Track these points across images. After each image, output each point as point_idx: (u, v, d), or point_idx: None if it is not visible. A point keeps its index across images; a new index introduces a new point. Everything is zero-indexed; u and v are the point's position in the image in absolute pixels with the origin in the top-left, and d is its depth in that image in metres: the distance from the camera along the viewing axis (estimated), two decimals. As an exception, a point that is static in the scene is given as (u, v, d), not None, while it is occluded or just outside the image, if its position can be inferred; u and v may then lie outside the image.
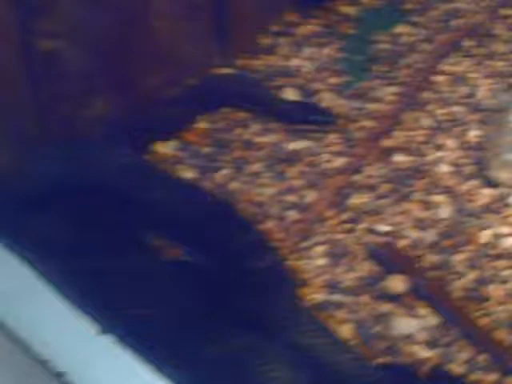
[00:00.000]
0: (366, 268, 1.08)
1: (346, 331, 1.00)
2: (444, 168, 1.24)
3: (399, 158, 1.25)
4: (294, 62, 1.41)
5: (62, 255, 0.90)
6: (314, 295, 1.04)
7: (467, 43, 1.45)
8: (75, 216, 0.98)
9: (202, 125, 1.28)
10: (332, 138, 1.28)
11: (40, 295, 0.78)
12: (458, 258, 1.11)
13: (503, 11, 1.52)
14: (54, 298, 0.78)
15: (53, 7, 1.03)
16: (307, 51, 1.43)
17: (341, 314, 1.02)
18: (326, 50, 1.44)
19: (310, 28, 1.47)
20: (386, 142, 1.27)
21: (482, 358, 0.98)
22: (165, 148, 1.24)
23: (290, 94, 1.34)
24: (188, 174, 1.20)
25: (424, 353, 0.98)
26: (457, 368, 0.97)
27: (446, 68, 1.40)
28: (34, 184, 1.02)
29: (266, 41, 1.44)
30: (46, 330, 0.76)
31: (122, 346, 0.74)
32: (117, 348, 0.74)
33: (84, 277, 0.88)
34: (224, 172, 1.21)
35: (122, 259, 0.93)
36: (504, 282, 1.08)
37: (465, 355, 0.98)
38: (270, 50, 1.42)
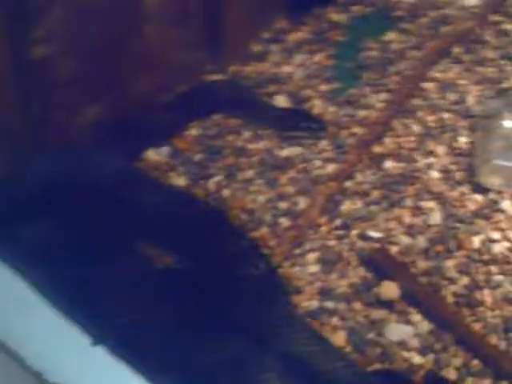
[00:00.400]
0: (358, 274, 1.08)
1: (339, 338, 0.99)
2: (434, 174, 1.24)
3: (390, 165, 1.25)
4: (285, 69, 1.41)
5: (53, 264, 0.89)
6: (307, 302, 1.04)
7: (456, 50, 1.46)
8: (67, 224, 0.98)
9: (193, 131, 1.28)
10: (323, 144, 1.28)
11: (32, 306, 0.77)
12: (450, 263, 1.11)
13: (492, 17, 1.53)
14: (46, 309, 0.78)
15: (45, 14, 1.02)
16: (298, 58, 1.43)
17: (334, 321, 1.02)
18: (317, 57, 1.44)
19: (300, 35, 1.48)
20: (377, 149, 1.28)
21: (475, 364, 0.98)
22: (156, 155, 1.23)
23: (281, 101, 1.34)
24: (180, 181, 1.19)
25: (417, 359, 0.98)
26: (450, 374, 0.97)
27: (436, 75, 1.41)
28: (25, 192, 1.02)
29: (257, 48, 1.44)
30: (39, 342, 0.75)
31: (115, 357, 0.74)
32: (109, 358, 0.74)
33: (76, 286, 0.88)
34: (216, 179, 1.21)
35: (114, 267, 0.92)
36: (496, 287, 1.09)
37: (458, 361, 0.99)
38: (261, 57, 1.42)
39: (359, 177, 1.23)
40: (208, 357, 0.82)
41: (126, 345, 0.79)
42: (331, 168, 1.23)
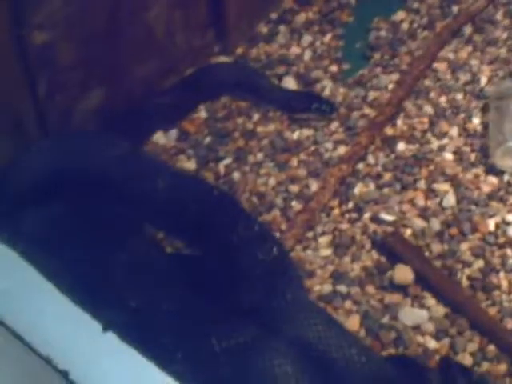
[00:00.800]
0: (371, 258, 1.07)
1: (353, 322, 0.98)
2: (448, 156, 1.22)
3: (402, 147, 1.23)
4: (294, 50, 1.38)
5: (60, 249, 0.88)
6: (320, 286, 1.02)
7: (468, 30, 1.43)
8: (73, 209, 0.96)
9: (202, 114, 1.26)
10: (334, 126, 1.26)
11: (40, 292, 0.76)
12: (464, 246, 1.09)
13: (505, -4, 1.50)
14: (55, 295, 0.76)
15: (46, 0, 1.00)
16: (307, 39, 1.41)
17: (347, 305, 1.01)
18: (326, 38, 1.41)
19: (308, 16, 1.45)
20: (389, 131, 1.25)
21: (490, 349, 0.97)
22: (165, 138, 1.21)
23: (291, 83, 1.31)
24: (189, 165, 1.18)
25: (432, 343, 0.97)
26: (466, 359, 0.96)
27: (447, 55, 1.38)
28: (31, 177, 1.00)
29: (264, 29, 1.41)
30: (48, 328, 0.73)
31: (125, 343, 0.72)
32: (120, 344, 0.72)
33: (84, 271, 0.86)
34: (226, 162, 1.19)
35: (123, 252, 0.91)
36: (511, 270, 1.07)
37: (473, 346, 0.97)
38: (268, 38, 1.40)
39: (371, 159, 1.21)
40: (219, 342, 0.81)
41: (137, 330, 0.77)
42: (343, 150, 1.21)
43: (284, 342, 0.84)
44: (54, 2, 1.01)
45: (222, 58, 1.35)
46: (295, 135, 1.24)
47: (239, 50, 1.37)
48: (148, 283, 0.85)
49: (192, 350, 0.79)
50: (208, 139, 1.22)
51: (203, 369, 0.80)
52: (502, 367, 0.96)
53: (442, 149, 1.23)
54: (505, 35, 1.42)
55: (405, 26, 1.45)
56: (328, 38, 1.41)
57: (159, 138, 1.21)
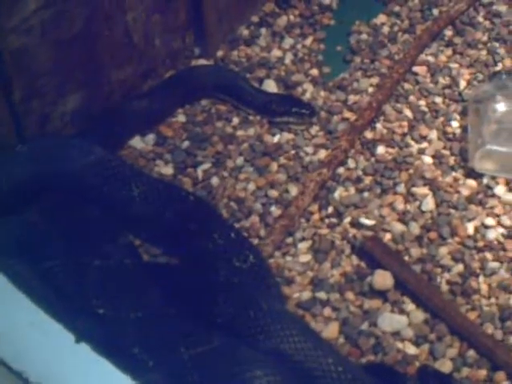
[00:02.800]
0: (351, 263, 1.06)
1: (331, 330, 0.97)
2: (427, 159, 1.22)
3: (382, 150, 1.23)
4: (275, 53, 1.38)
5: (33, 258, 0.86)
6: (299, 293, 1.02)
7: (449, 32, 1.44)
8: (48, 216, 0.94)
9: (180, 118, 1.25)
10: (314, 130, 1.25)
11: (11, 303, 0.74)
12: (444, 250, 1.09)
13: (485, -1, 1.50)
14: (27, 306, 0.75)
15: (21, 3, 0.98)
16: (288, 42, 1.40)
17: (326, 311, 1.00)
18: (307, 41, 1.41)
19: (290, 19, 1.44)
20: (369, 134, 1.25)
21: (470, 354, 0.97)
22: (142, 143, 1.20)
23: (271, 86, 1.31)
24: (167, 170, 1.16)
25: (412, 350, 0.96)
26: (445, 364, 0.95)
27: (427, 58, 1.39)
28: (5, 184, 0.98)
29: (245, 32, 1.40)
30: (19, 339, 0.72)
31: (97, 353, 0.71)
32: (92, 356, 0.71)
33: (57, 280, 0.85)
34: (204, 167, 1.18)
35: (96, 259, 0.89)
36: (491, 274, 1.07)
37: (453, 351, 0.97)
38: (249, 41, 1.39)
39: (351, 163, 1.21)
40: (194, 353, 0.80)
41: (107, 339, 0.76)
42: (323, 154, 1.20)
43: (260, 354, 0.83)
44: (29, 6, 0.99)
45: (202, 61, 1.34)
46: (275, 139, 1.23)
47: (219, 53, 1.36)
48: (118, 291, 0.84)
49: (162, 359, 0.78)
50: (186, 143, 1.21)
51: (174, 377, 0.79)
52: (482, 372, 0.96)
53: (421, 152, 1.23)
54: (485, 37, 1.43)
55: (385, 29, 1.45)
56: (309, 41, 1.41)
57: (136, 142, 1.20)
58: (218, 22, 1.35)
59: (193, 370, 0.77)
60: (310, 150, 1.22)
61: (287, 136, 1.24)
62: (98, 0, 1.10)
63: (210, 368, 0.78)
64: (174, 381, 0.78)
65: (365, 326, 0.98)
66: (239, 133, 1.23)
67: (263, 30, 1.41)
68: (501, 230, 1.13)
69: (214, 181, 1.15)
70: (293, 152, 1.21)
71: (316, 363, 0.83)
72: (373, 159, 1.21)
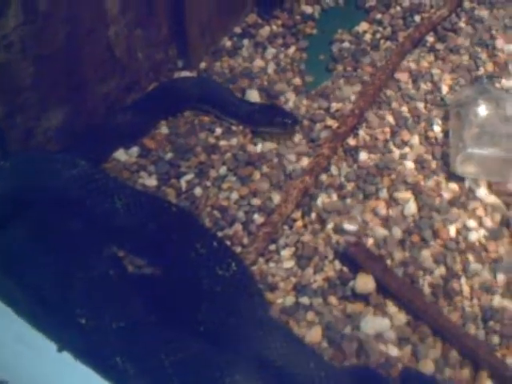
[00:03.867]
0: (334, 268, 1.07)
1: (315, 334, 0.98)
2: (409, 164, 1.23)
3: (365, 156, 1.24)
4: (258, 64, 1.39)
5: (17, 269, 0.87)
6: (283, 299, 1.03)
7: (430, 39, 1.45)
8: (32, 229, 0.95)
9: (163, 130, 1.26)
10: (297, 138, 1.27)
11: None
12: (426, 253, 1.10)
13: (467, 4, 1.52)
14: (11, 317, 0.76)
15: (3, 17, 1.00)
16: (270, 52, 1.42)
17: (310, 316, 1.01)
18: (289, 51, 1.43)
19: (273, 29, 1.46)
20: (352, 141, 1.26)
21: (453, 354, 0.98)
22: (126, 155, 1.21)
23: (254, 96, 1.32)
24: (150, 181, 1.17)
25: (395, 352, 0.97)
26: (428, 365, 0.96)
27: (410, 64, 1.40)
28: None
29: (228, 43, 1.42)
30: (3, 350, 0.73)
31: (80, 362, 0.72)
32: (75, 364, 0.72)
33: (42, 291, 0.85)
34: (187, 177, 1.19)
35: (80, 271, 0.90)
36: (473, 275, 1.08)
37: (436, 352, 0.98)
38: (232, 52, 1.41)
39: (334, 170, 1.22)
40: (174, 359, 0.80)
41: (89, 348, 0.77)
42: (305, 162, 1.22)
43: (243, 360, 0.84)
44: (9, 23, 1.01)
45: (186, 73, 1.36)
46: (258, 148, 1.24)
47: (202, 65, 1.37)
48: (101, 302, 0.85)
49: (143, 367, 0.79)
50: (169, 155, 1.22)
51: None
52: (465, 372, 0.96)
53: (403, 157, 1.24)
54: (467, 43, 1.44)
55: (368, 36, 1.47)
56: (292, 50, 1.43)
57: (120, 155, 1.21)
58: (200, 35, 1.36)
59: (174, 376, 0.78)
60: (292, 158, 1.23)
61: (270, 145, 1.25)
62: (79, 15, 1.12)
63: (190, 373, 0.79)
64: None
65: (348, 330, 0.99)
66: (222, 143, 1.25)
67: (246, 41, 1.43)
68: (483, 232, 1.14)
69: (197, 191, 1.17)
70: (276, 160, 1.22)
71: (298, 368, 0.84)
72: (355, 166, 1.22)
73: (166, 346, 0.79)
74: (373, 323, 0.99)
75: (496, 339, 0.99)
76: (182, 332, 0.83)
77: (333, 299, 1.03)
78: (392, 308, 1.02)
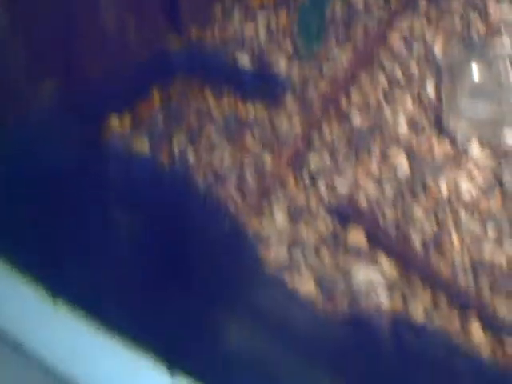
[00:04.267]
0: (326, 225, 1.09)
1: (308, 288, 1.00)
2: (402, 125, 1.24)
3: (357, 118, 1.25)
4: (249, 30, 1.39)
5: (25, 241, 0.89)
6: (276, 255, 1.05)
7: (423, 1, 1.45)
8: (33, 200, 0.97)
9: (156, 97, 1.27)
10: (289, 101, 1.27)
11: (14, 289, 0.77)
12: (418, 212, 1.12)
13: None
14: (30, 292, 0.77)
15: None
16: (261, 18, 1.42)
17: (303, 271, 1.03)
18: (281, 16, 1.42)
19: (263, -6, 1.46)
20: (344, 103, 1.27)
21: (443, 305, 0.99)
22: (119, 123, 1.23)
23: (246, 62, 1.33)
24: (144, 148, 1.19)
25: (386, 301, 0.99)
26: (418, 314, 0.98)
27: (402, 26, 1.40)
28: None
29: (218, 9, 1.42)
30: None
31: (76, 315, 0.73)
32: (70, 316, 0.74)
33: (50, 260, 0.87)
34: (180, 143, 1.20)
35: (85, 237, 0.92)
36: (464, 231, 1.09)
37: (426, 301, 0.99)
38: (223, 19, 1.41)
39: (327, 131, 1.23)
40: (173, 317, 0.82)
41: (88, 304, 0.79)
42: (297, 124, 1.23)
43: (240, 313, 0.86)
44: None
45: (177, 41, 1.36)
46: (250, 113, 1.25)
47: (194, 32, 1.38)
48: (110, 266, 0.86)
49: (145, 326, 0.80)
50: (162, 122, 1.23)
51: (160, 340, 0.81)
52: (456, 323, 0.98)
53: (395, 118, 1.25)
54: (459, 5, 1.43)
55: (360, 0, 1.46)
56: (283, 15, 1.43)
57: (114, 122, 1.22)
58: (191, 2, 1.37)
59: (180, 335, 0.79)
60: (284, 120, 1.24)
61: (261, 109, 1.26)
62: None
63: (196, 332, 0.80)
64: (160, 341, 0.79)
65: (340, 283, 1.01)
66: (214, 109, 1.25)
67: (237, 7, 1.43)
68: (475, 190, 1.15)
69: (191, 155, 1.18)
70: (267, 124, 1.23)
71: (296, 319, 0.86)
72: (347, 127, 1.23)
73: (174, 305, 0.80)
74: (364, 275, 1.01)
75: (486, 291, 1.01)
76: (179, 291, 0.85)
77: (325, 254, 1.05)
78: (384, 261, 1.03)
